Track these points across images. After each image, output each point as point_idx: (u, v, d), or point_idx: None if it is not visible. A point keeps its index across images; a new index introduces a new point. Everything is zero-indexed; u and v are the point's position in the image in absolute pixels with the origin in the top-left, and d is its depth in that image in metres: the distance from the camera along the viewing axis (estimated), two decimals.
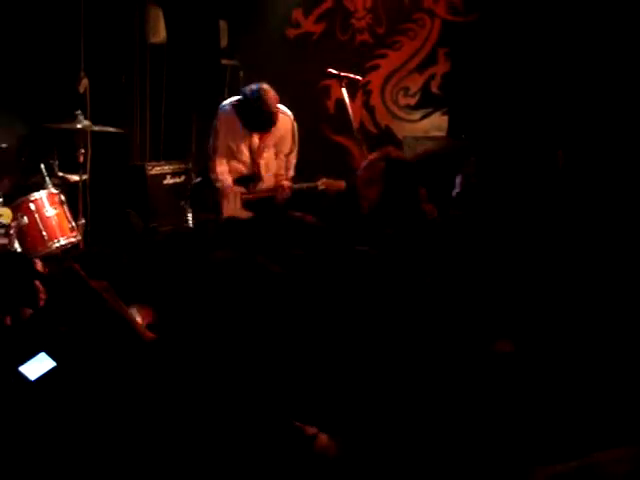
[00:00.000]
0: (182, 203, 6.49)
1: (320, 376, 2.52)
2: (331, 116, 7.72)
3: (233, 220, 5.36)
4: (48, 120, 6.54)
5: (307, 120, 7.73)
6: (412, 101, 7.70)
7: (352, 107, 6.00)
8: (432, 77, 7.63)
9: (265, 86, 5.86)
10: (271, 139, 6.07)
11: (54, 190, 6.03)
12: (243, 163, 6.09)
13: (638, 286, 3.20)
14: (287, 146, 6.14)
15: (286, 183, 6.05)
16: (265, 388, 2.24)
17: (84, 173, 6.54)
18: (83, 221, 6.40)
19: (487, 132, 6.98)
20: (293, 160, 6.21)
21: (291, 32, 7.89)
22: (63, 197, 6.06)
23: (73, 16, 7.23)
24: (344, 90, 5.85)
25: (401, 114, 7.72)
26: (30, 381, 2.57)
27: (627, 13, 6.58)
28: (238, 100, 6.00)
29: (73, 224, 6.06)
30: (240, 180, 6.10)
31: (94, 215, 6.74)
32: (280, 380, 2.30)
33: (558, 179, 6.06)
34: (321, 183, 5.95)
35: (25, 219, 5.78)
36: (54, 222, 5.90)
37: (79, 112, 6.42)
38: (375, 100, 7.74)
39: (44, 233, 5.78)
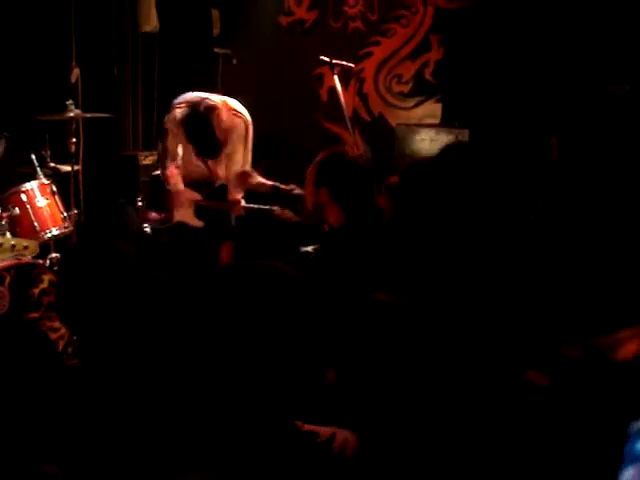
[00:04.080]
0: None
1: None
2: (324, 104, 7.69)
3: (183, 226, 5.21)
4: (39, 110, 6.50)
5: (300, 108, 7.74)
6: (405, 89, 7.67)
7: (345, 95, 5.98)
8: (425, 64, 7.61)
9: (217, 103, 5.50)
10: (225, 141, 5.61)
11: (45, 180, 5.98)
12: (194, 169, 5.69)
13: (635, 276, 3.18)
14: (238, 154, 5.70)
15: (241, 202, 5.58)
16: (273, 393, 2.23)
17: (76, 163, 6.51)
18: (75, 211, 6.37)
19: (481, 120, 6.96)
20: (247, 167, 5.77)
21: (284, 20, 7.85)
22: (55, 187, 6.02)
23: (64, 5, 7.19)
24: (336, 78, 5.83)
25: (394, 102, 7.70)
26: None
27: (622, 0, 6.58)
28: (189, 106, 5.56)
29: (65, 214, 6.02)
30: (194, 185, 5.70)
31: (87, 205, 6.72)
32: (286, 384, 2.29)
33: (552, 167, 6.05)
34: (278, 210, 5.37)
35: (16, 210, 5.73)
36: (46, 212, 5.86)
37: (70, 102, 6.37)
38: (368, 88, 7.71)
39: (36, 224, 5.74)
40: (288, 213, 5.52)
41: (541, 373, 2.49)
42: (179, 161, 5.61)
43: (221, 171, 5.77)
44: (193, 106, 5.53)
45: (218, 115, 5.47)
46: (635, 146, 5.92)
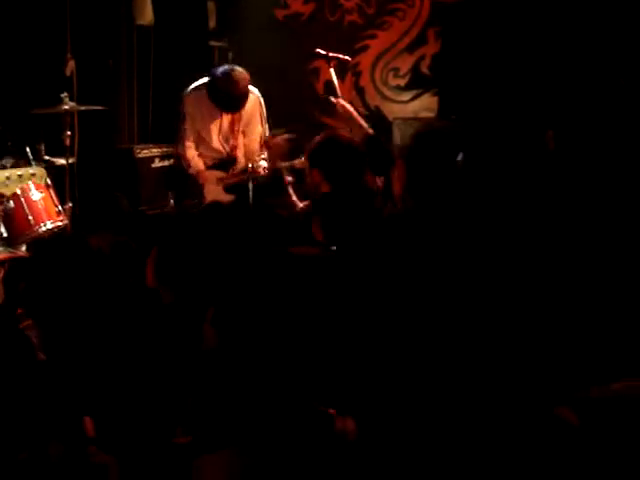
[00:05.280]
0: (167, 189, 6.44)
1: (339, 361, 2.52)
2: (320, 97, 7.66)
3: (215, 205, 5.36)
4: (34, 103, 6.47)
5: (296, 101, 7.71)
6: (402, 82, 7.66)
7: (341, 88, 5.95)
8: (422, 58, 7.59)
9: (236, 67, 5.87)
10: (241, 121, 6.03)
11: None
12: (215, 149, 6.07)
13: (633, 268, 3.17)
14: (256, 126, 6.10)
15: (262, 166, 5.97)
16: (286, 372, 2.24)
17: (71, 156, 6.48)
18: (70, 205, 6.35)
19: (478, 113, 6.94)
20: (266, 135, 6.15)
21: (280, 13, 7.82)
22: (49, 181, 6.01)
23: None
24: (333, 71, 5.80)
25: (391, 95, 7.68)
26: None
27: None
28: (206, 82, 5.92)
29: (60, 208, 6.00)
30: (217, 165, 6.08)
31: (82, 198, 6.69)
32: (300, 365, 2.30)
33: (549, 160, 6.03)
34: (298, 162, 5.67)
35: (11, 203, 5.72)
36: (40, 206, 5.84)
37: (65, 94, 6.35)
38: (365, 81, 7.69)
39: (30, 217, 5.72)
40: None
41: (571, 411, 2.48)
42: (196, 144, 6.01)
43: (240, 151, 6.08)
44: (210, 72, 5.93)
45: (236, 73, 5.80)
46: (632, 139, 5.91)
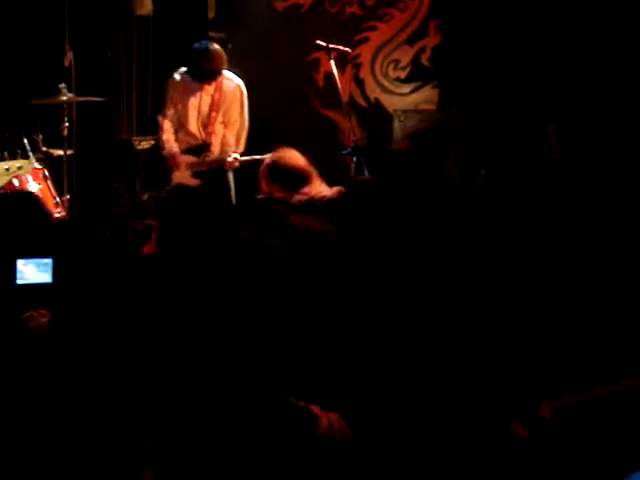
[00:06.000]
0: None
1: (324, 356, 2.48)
2: (320, 89, 7.62)
3: (182, 187, 5.42)
4: (32, 94, 6.44)
5: (296, 93, 7.67)
6: (402, 74, 7.61)
7: (341, 80, 5.92)
8: (422, 50, 7.55)
9: (215, 44, 6.21)
10: (220, 105, 6.18)
11: (38, 165, 5.97)
12: (192, 135, 6.23)
13: (634, 263, 3.15)
14: (235, 113, 6.24)
15: (234, 157, 6.11)
16: (262, 367, 2.20)
17: (69, 147, 6.45)
18: (68, 196, 6.33)
19: (478, 106, 6.91)
20: (243, 133, 6.27)
21: (279, 4, 7.76)
22: (47, 172, 5.99)
23: None
24: (333, 63, 5.78)
25: (391, 87, 7.63)
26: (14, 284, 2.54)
27: None
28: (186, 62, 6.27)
29: (57, 199, 5.99)
30: (190, 150, 6.23)
31: (80, 190, 6.66)
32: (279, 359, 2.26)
33: (550, 154, 6.01)
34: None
35: None
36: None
37: (63, 85, 6.33)
38: (365, 73, 7.64)
39: None
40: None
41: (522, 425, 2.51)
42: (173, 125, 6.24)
43: (216, 138, 6.23)
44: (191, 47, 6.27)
45: (214, 48, 6.15)
46: (633, 133, 5.89)
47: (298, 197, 4.42)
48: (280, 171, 4.62)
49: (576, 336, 2.75)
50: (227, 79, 6.22)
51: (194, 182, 6.02)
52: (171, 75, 6.33)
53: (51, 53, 7.05)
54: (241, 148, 6.25)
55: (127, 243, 3.21)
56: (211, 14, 7.93)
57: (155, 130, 7.59)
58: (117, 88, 7.72)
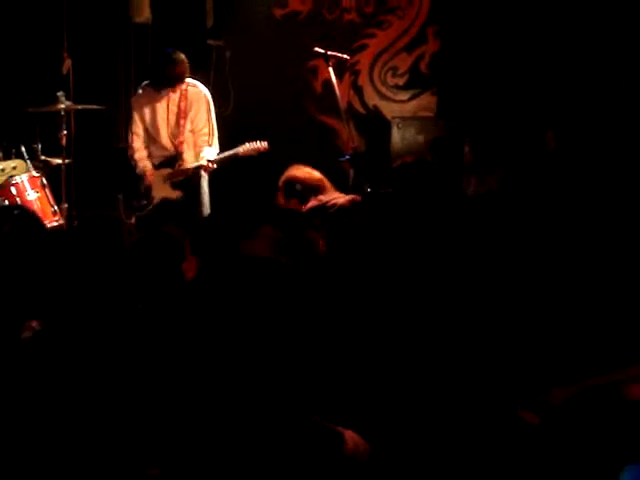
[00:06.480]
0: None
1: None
2: (318, 96, 7.61)
3: (166, 202, 5.50)
4: (30, 102, 6.44)
5: (294, 100, 7.66)
6: (401, 81, 7.61)
7: (339, 87, 5.92)
8: (421, 57, 7.54)
9: (179, 52, 6.14)
10: (187, 112, 6.18)
11: (36, 173, 5.96)
12: (163, 147, 6.23)
13: (632, 266, 3.15)
14: (202, 120, 6.24)
15: (206, 158, 6.13)
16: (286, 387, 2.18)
17: (67, 156, 6.45)
18: (66, 205, 6.32)
19: (477, 113, 6.90)
20: (212, 139, 6.26)
21: (278, 11, 7.76)
22: (45, 180, 5.99)
23: None
24: (331, 70, 5.77)
25: (389, 94, 7.63)
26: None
27: None
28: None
29: (55, 208, 5.99)
30: (164, 163, 6.23)
31: (78, 198, 6.65)
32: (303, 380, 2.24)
33: (548, 161, 6.00)
34: (242, 150, 6.05)
35: (6, 203, 5.71)
36: (36, 206, 5.82)
37: (61, 93, 6.32)
38: (363, 80, 7.64)
39: None
40: (256, 146, 6.05)
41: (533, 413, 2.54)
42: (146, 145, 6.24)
43: (186, 146, 6.23)
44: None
45: (177, 55, 6.10)
46: (633, 140, 5.88)
47: (312, 203, 4.65)
48: (294, 186, 4.81)
49: (584, 324, 2.77)
50: (191, 86, 6.22)
51: (176, 194, 6.14)
52: (134, 93, 6.41)
53: (49, 61, 7.05)
54: (214, 149, 6.25)
55: (124, 247, 3.20)
56: (209, 22, 7.93)
57: None
58: (115, 96, 7.70)
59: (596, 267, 3.21)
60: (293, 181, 4.86)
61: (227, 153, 6.14)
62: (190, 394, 2.18)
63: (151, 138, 6.23)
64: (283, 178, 4.94)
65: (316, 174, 4.91)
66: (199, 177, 6.19)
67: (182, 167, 6.20)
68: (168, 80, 6.09)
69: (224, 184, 6.48)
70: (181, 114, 6.17)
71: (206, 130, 6.24)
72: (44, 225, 3.82)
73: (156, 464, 2.20)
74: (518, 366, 2.77)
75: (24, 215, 3.62)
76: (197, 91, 6.23)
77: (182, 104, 6.16)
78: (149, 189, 6.17)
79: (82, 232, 3.46)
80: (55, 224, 5.90)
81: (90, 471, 2.21)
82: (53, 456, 2.23)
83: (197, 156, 6.21)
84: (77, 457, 2.23)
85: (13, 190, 5.75)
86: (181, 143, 6.20)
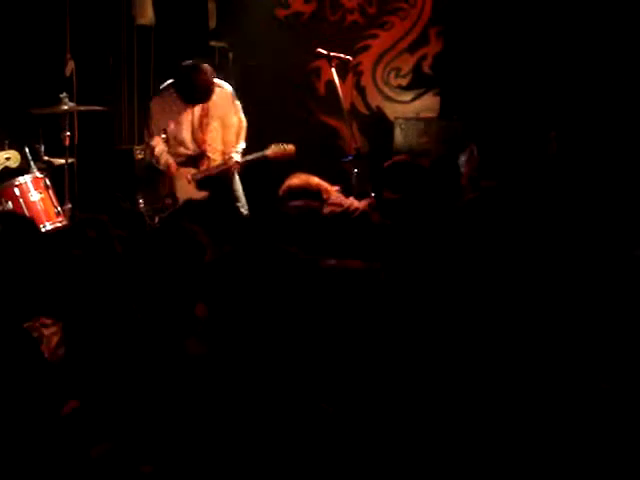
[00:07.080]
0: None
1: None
2: (321, 97, 7.63)
3: (191, 202, 5.45)
4: (33, 103, 6.44)
5: (297, 101, 7.67)
6: (404, 82, 7.62)
7: (342, 88, 5.92)
8: (424, 57, 7.55)
9: (201, 62, 5.97)
10: (213, 114, 6.10)
11: (39, 174, 5.95)
12: (186, 146, 6.14)
13: (628, 267, 3.15)
14: (231, 119, 6.19)
15: (234, 158, 6.08)
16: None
17: (70, 157, 6.45)
18: (69, 205, 6.32)
19: (480, 113, 6.91)
20: (242, 132, 6.23)
21: (280, 12, 7.78)
22: (48, 181, 5.98)
23: None
24: (334, 71, 5.77)
25: (392, 95, 7.64)
26: None
27: None
28: (173, 79, 6.05)
29: (59, 209, 5.97)
30: (188, 162, 6.14)
31: (81, 199, 6.65)
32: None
33: (551, 162, 6.00)
34: (270, 152, 6.01)
35: (10, 204, 5.71)
36: (39, 207, 5.82)
37: (64, 94, 6.32)
38: (366, 81, 7.65)
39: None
40: (285, 149, 5.99)
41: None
42: (165, 137, 6.04)
43: (209, 145, 6.13)
44: (177, 66, 6.03)
45: (201, 65, 5.91)
46: (633, 143, 5.89)
47: (331, 208, 4.48)
48: (296, 194, 4.71)
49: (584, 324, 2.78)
50: (217, 86, 6.07)
51: (201, 194, 6.03)
52: (153, 97, 6.27)
53: (52, 62, 7.04)
54: (242, 145, 6.21)
55: (112, 247, 3.20)
56: (212, 23, 7.95)
57: None
58: (118, 97, 7.72)
59: (596, 267, 3.21)
60: (293, 190, 4.76)
61: (254, 155, 6.08)
62: (183, 391, 2.20)
63: (174, 140, 6.12)
64: (283, 188, 4.85)
65: (314, 179, 4.87)
66: (231, 175, 6.13)
67: (207, 167, 6.12)
68: (198, 91, 5.93)
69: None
70: (204, 112, 6.08)
71: (236, 127, 6.19)
72: (36, 228, 3.79)
73: (149, 461, 2.21)
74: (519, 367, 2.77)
75: (14, 218, 3.61)
76: (223, 91, 6.12)
77: (206, 105, 6.06)
78: (172, 187, 6.09)
79: (72, 235, 3.44)
80: (59, 225, 5.89)
81: (84, 468, 2.22)
82: (47, 454, 2.23)
83: (224, 153, 6.14)
84: (71, 454, 2.24)
85: (16, 191, 5.74)
86: (204, 142, 6.12)
